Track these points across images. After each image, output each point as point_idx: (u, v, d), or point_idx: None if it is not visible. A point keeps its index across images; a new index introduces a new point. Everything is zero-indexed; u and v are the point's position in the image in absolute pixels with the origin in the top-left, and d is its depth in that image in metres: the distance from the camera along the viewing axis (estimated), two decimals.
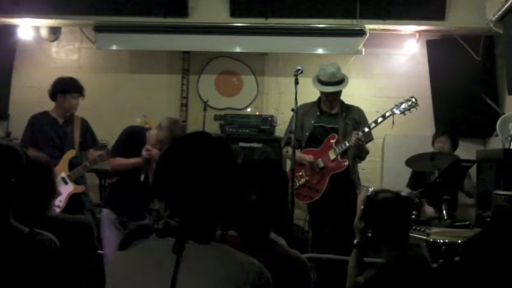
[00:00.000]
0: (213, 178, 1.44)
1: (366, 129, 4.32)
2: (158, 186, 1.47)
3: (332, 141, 4.39)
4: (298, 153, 4.36)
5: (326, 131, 4.45)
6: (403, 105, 4.30)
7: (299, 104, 4.18)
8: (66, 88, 4.49)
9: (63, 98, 4.49)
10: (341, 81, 4.41)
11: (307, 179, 4.43)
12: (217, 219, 1.49)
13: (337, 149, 4.34)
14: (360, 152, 4.43)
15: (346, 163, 4.33)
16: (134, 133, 4.09)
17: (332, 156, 4.35)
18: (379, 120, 4.32)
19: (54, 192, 2.38)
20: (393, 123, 4.35)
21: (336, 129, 4.44)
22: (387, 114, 4.31)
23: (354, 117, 4.47)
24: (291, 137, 4.19)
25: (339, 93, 4.45)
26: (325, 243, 4.16)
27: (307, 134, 4.47)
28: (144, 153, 3.93)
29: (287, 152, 4.44)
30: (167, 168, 1.46)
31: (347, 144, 4.29)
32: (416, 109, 4.36)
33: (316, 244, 4.42)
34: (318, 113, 4.48)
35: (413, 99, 4.31)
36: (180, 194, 1.43)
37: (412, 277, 2.42)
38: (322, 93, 4.45)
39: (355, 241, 2.73)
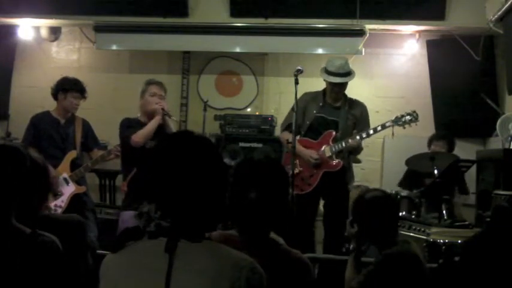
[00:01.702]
0: (200, 176, 1.44)
1: (364, 135, 4.31)
2: (147, 188, 1.47)
3: (329, 137, 4.39)
4: (298, 145, 4.38)
5: (327, 123, 4.44)
6: (404, 118, 4.29)
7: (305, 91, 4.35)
8: (67, 86, 4.49)
9: (64, 97, 4.49)
10: (348, 73, 4.42)
11: (301, 169, 4.42)
12: (209, 217, 1.48)
13: (333, 148, 4.34)
14: (355, 151, 4.45)
15: (341, 164, 4.34)
16: (130, 120, 4.14)
17: (327, 153, 4.35)
18: (378, 129, 4.31)
19: (48, 193, 2.38)
20: (393, 134, 4.34)
21: (336, 122, 4.44)
22: (387, 124, 4.30)
23: (355, 113, 4.47)
24: (291, 124, 4.26)
25: (345, 85, 4.44)
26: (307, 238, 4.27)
27: (308, 122, 4.47)
28: (156, 106, 3.96)
29: (288, 142, 4.39)
30: (154, 170, 1.46)
31: (343, 145, 4.29)
32: (416, 124, 4.34)
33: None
34: (321, 104, 4.46)
35: (414, 114, 4.31)
36: (170, 195, 1.43)
37: (402, 273, 2.44)
38: (328, 84, 4.44)
39: (350, 246, 2.77)
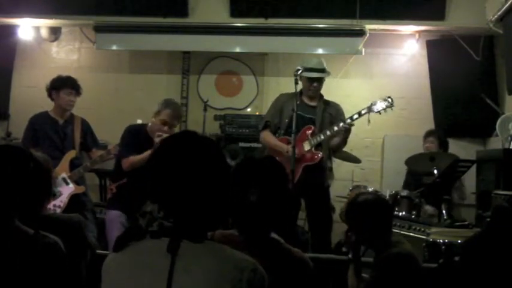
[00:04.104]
0: (204, 176, 1.44)
1: (341, 124, 4.25)
2: (150, 188, 1.47)
3: (308, 132, 4.40)
4: (275, 140, 4.46)
5: (304, 121, 4.44)
6: (378, 104, 4.28)
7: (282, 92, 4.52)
8: (58, 84, 4.50)
9: (57, 95, 4.50)
10: (325, 69, 4.45)
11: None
12: (211, 217, 1.49)
13: (312, 141, 4.35)
14: (340, 143, 4.45)
15: (320, 155, 4.34)
16: (136, 130, 4.00)
17: (306, 147, 4.36)
18: (355, 117, 4.28)
19: (49, 193, 2.38)
20: (369, 121, 4.30)
21: (313, 119, 4.46)
22: (363, 112, 4.29)
23: (330, 112, 4.51)
24: (269, 121, 4.52)
25: (322, 81, 4.47)
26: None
27: (286, 121, 4.48)
28: (157, 139, 3.75)
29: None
30: (158, 170, 1.46)
31: (322, 137, 4.31)
32: (392, 109, 4.31)
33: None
34: (298, 102, 4.43)
35: (389, 99, 4.29)
36: (173, 195, 1.43)
37: (399, 275, 2.45)
38: (306, 81, 4.41)
39: (349, 255, 2.79)
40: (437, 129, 5.21)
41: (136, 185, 3.73)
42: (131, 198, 3.76)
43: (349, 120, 4.26)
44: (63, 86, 4.48)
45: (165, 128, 3.84)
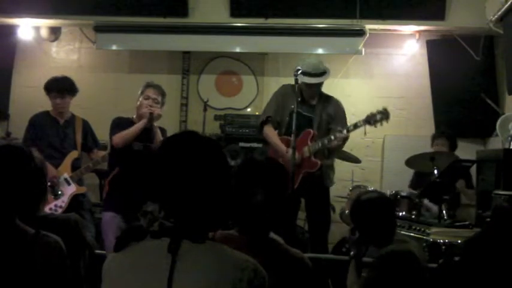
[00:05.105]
0: (205, 177, 1.44)
1: (337, 135, 4.25)
2: (152, 188, 1.47)
3: (308, 137, 4.39)
4: (277, 139, 4.47)
5: (304, 118, 4.40)
6: (375, 117, 4.25)
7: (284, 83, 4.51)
8: (47, 88, 4.52)
9: (48, 98, 4.52)
10: (323, 72, 4.41)
11: None
12: (212, 218, 1.49)
13: (311, 148, 4.34)
14: (337, 147, 4.43)
15: (319, 164, 4.34)
16: (122, 119, 4.01)
17: (306, 153, 4.35)
18: (351, 128, 4.27)
19: (45, 193, 2.38)
20: (365, 133, 4.31)
21: (312, 118, 4.44)
22: (359, 124, 4.26)
23: (329, 112, 4.48)
24: (270, 117, 4.49)
25: (321, 84, 4.45)
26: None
27: (286, 118, 4.47)
28: (145, 110, 3.84)
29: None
30: (159, 170, 1.46)
31: (320, 145, 4.30)
32: (387, 122, 4.28)
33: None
34: (299, 99, 4.36)
35: (385, 112, 4.23)
36: (174, 195, 1.44)
37: (398, 271, 2.45)
38: (304, 84, 4.38)
39: (351, 253, 2.80)
40: (447, 130, 5.07)
41: (129, 176, 3.75)
42: (125, 193, 3.71)
43: (345, 131, 4.25)
44: (50, 90, 4.49)
45: (150, 101, 3.91)
